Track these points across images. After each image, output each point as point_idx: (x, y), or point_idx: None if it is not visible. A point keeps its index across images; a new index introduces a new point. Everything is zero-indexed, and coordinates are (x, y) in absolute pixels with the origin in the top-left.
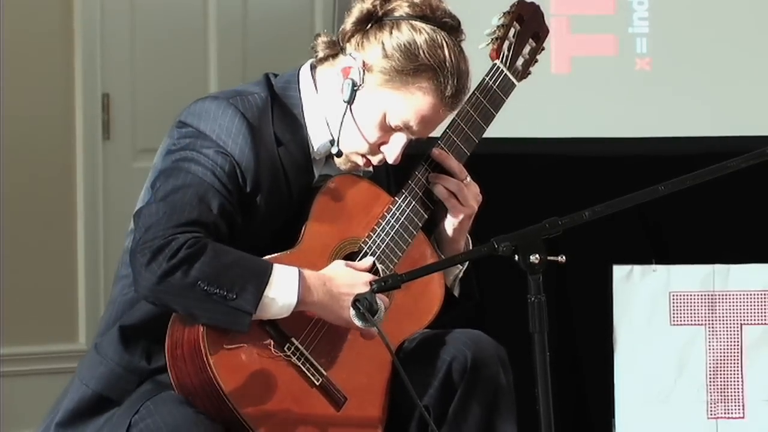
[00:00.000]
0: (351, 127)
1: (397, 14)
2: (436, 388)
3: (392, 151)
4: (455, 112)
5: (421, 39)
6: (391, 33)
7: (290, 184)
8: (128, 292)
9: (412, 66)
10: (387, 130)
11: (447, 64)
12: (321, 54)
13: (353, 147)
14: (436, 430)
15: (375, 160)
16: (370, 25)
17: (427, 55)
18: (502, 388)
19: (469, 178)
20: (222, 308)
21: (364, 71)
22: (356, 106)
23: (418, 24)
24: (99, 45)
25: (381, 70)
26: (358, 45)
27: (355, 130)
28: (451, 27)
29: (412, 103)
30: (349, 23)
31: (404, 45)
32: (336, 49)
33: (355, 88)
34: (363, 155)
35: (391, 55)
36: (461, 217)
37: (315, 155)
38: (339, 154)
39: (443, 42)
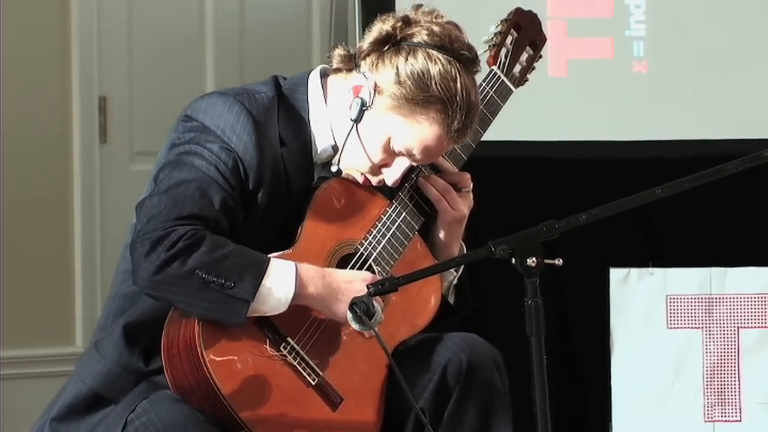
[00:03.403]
0: (355, 145)
1: (415, 40)
2: (432, 392)
3: (393, 174)
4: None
5: (435, 69)
6: (406, 59)
7: (291, 185)
8: (128, 286)
9: (422, 96)
10: (390, 153)
11: (458, 98)
12: (335, 65)
13: (355, 164)
14: None
15: (374, 180)
16: (387, 47)
17: (439, 87)
18: (498, 391)
19: (467, 189)
20: (220, 297)
21: (374, 93)
22: (362, 126)
23: (435, 53)
24: (96, 48)
25: (391, 95)
26: (372, 65)
27: (359, 148)
28: (468, 59)
29: (417, 132)
30: (366, 42)
31: (417, 73)
32: (351, 64)
33: (364, 108)
34: (363, 173)
35: (403, 82)
36: (450, 220)
37: (317, 159)
38: (339, 172)
39: (457, 75)
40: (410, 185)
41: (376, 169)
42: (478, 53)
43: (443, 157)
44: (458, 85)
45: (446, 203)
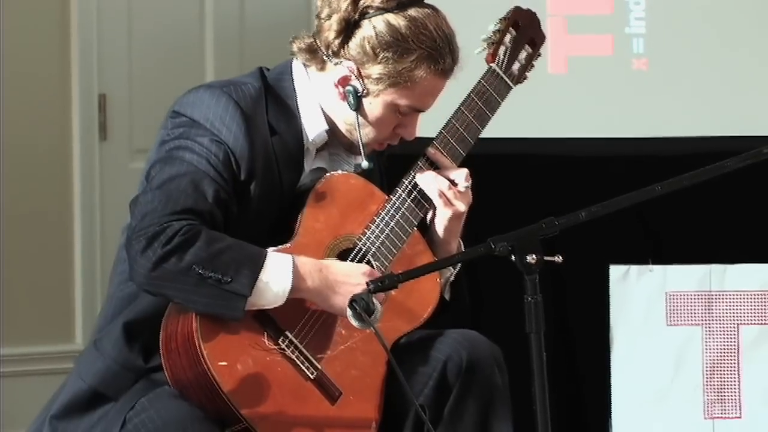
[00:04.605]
0: (365, 126)
1: (371, 12)
2: (432, 388)
3: (409, 131)
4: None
5: (403, 30)
6: (373, 33)
7: (281, 174)
8: (125, 288)
9: (408, 62)
10: (398, 118)
11: (437, 41)
12: (301, 59)
13: (370, 140)
14: (432, 429)
15: (394, 141)
16: (350, 31)
17: (416, 43)
18: (498, 388)
19: (466, 185)
20: (217, 292)
21: (362, 78)
22: (365, 110)
23: (393, 16)
24: (95, 45)
25: (379, 76)
26: (346, 53)
27: (369, 128)
28: None
29: (418, 91)
30: (331, 35)
31: (392, 42)
32: (318, 56)
33: (359, 95)
34: (381, 142)
35: (383, 58)
36: (448, 215)
37: (309, 145)
38: (370, 167)
39: (423, 19)
40: (409, 181)
41: (391, 134)
42: (477, 51)
43: (441, 153)
44: (430, 28)
45: (445, 199)
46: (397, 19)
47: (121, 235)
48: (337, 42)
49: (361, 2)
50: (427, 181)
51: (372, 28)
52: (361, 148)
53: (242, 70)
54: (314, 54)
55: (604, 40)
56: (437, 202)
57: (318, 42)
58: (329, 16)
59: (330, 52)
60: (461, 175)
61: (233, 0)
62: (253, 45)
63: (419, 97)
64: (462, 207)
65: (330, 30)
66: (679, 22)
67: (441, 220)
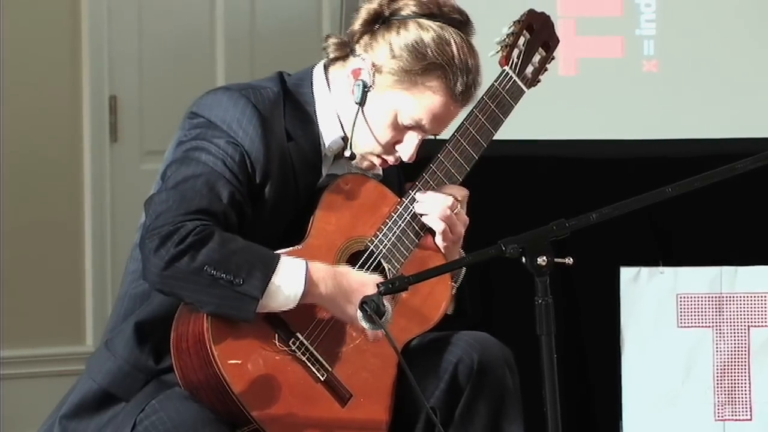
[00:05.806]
0: (363, 128)
1: (404, 13)
2: (443, 390)
3: (407, 150)
4: (469, 108)
5: (428, 37)
6: (398, 33)
7: (298, 180)
8: (138, 286)
9: (420, 66)
10: (399, 129)
11: (456, 61)
12: (332, 55)
13: (367, 148)
14: (443, 431)
15: (391, 159)
16: (377, 25)
17: (435, 53)
18: (509, 390)
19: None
20: (229, 293)
21: (374, 72)
22: (368, 108)
23: (425, 22)
24: (106, 47)
25: (390, 71)
26: (366, 46)
27: (367, 131)
28: (460, 22)
29: (422, 103)
30: (357, 24)
31: (412, 44)
32: (346, 50)
33: (366, 89)
34: (378, 155)
35: (399, 56)
36: (445, 245)
37: (326, 152)
38: (352, 156)
39: (451, 39)
40: (421, 183)
41: (389, 148)
42: (491, 54)
43: (439, 168)
44: (453, 48)
45: (443, 226)
46: (425, 27)
47: (136, 235)
48: (361, 31)
49: (396, 3)
50: (425, 205)
51: (399, 27)
52: (350, 139)
53: (253, 72)
54: (343, 47)
55: (614, 42)
56: (434, 225)
57: (347, 35)
58: (361, 10)
59: (353, 41)
60: (458, 194)
61: (244, 1)
62: (263, 47)
63: (422, 111)
64: (461, 232)
65: (359, 18)
66: (690, 24)
67: (441, 244)
